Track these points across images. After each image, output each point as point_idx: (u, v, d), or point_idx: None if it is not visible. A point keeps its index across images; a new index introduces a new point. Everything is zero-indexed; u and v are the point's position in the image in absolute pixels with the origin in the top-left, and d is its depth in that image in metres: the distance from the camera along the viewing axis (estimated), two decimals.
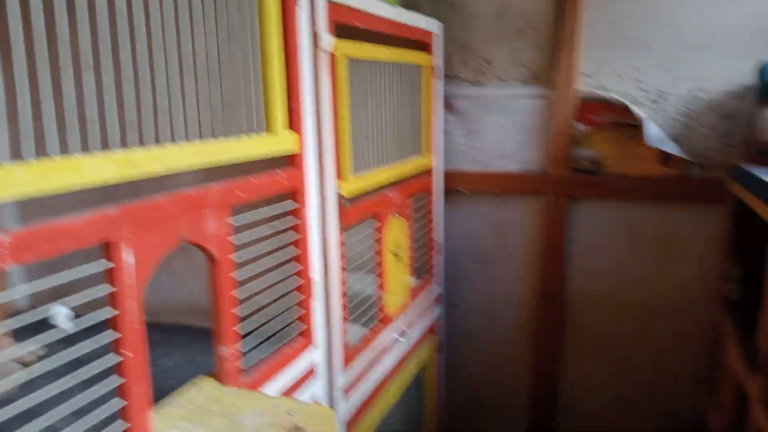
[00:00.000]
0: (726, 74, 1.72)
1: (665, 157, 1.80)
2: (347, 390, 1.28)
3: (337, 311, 1.23)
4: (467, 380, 2.14)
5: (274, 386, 1.02)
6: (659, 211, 1.84)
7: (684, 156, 1.77)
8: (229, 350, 0.90)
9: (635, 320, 1.92)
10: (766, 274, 1.04)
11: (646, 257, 1.88)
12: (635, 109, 1.77)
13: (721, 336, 1.56)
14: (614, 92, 1.82)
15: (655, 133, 1.75)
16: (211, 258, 0.86)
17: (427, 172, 1.78)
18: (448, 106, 1.97)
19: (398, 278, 1.55)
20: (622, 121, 1.83)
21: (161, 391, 0.86)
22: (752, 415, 1.09)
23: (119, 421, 0.71)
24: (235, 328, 0.91)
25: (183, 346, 1.18)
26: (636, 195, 1.85)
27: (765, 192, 1.21)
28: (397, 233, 1.53)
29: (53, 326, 0.68)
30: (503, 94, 1.93)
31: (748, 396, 1.14)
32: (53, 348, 0.67)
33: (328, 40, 1.13)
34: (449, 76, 1.96)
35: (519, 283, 2.03)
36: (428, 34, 1.71)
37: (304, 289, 1.11)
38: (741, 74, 1.69)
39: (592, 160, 1.89)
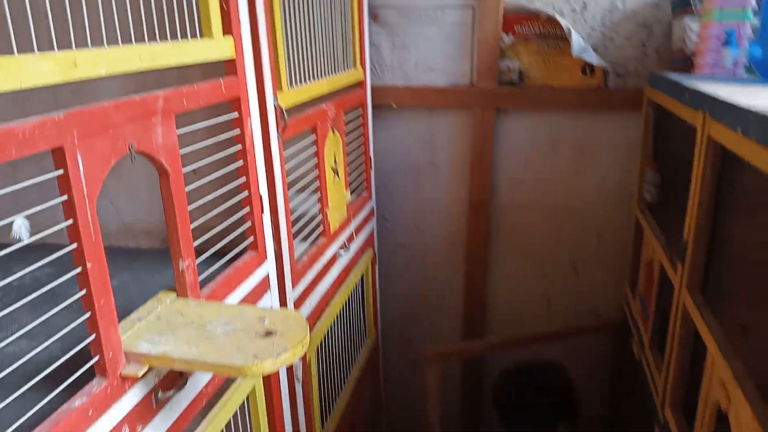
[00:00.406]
0: None
1: (586, 68, 1.86)
2: (297, 302, 1.29)
3: (284, 225, 1.21)
4: (401, 289, 2.20)
5: (231, 300, 1.01)
6: (580, 120, 1.92)
7: (604, 66, 1.83)
8: (187, 263, 0.87)
9: (557, 225, 2.03)
10: (694, 169, 1.12)
11: (567, 165, 1.97)
12: (562, 20, 1.80)
13: (641, 235, 1.69)
14: (539, 2, 1.83)
15: (578, 43, 1.79)
16: (162, 171, 0.82)
17: (360, 86, 1.75)
18: (375, 17, 1.92)
19: (338, 194, 1.54)
20: (547, 32, 1.86)
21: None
22: (676, 299, 1.19)
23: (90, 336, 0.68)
24: (191, 242, 0.88)
25: (124, 266, 1.13)
26: (559, 105, 1.91)
27: (680, 93, 1.28)
28: (334, 148, 1.51)
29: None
30: (430, 4, 1.90)
31: (672, 285, 1.24)
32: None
33: None
34: None
35: (448, 195, 2.08)
36: None
37: (252, 202, 1.08)
38: None
39: (516, 71, 1.93)
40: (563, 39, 1.84)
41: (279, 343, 0.76)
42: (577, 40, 1.78)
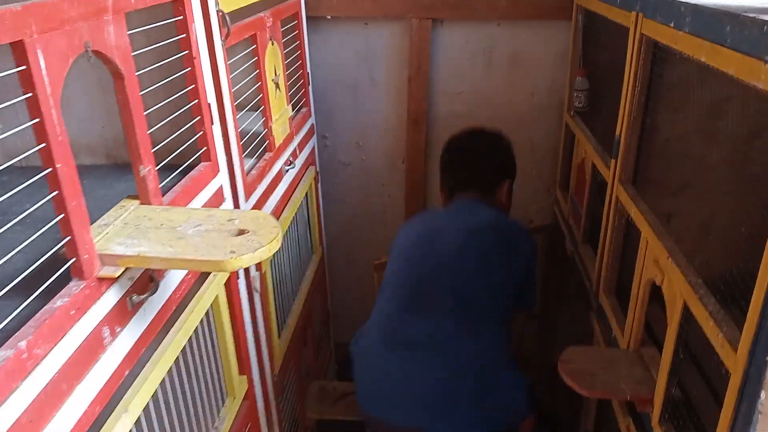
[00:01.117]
0: None
1: None
2: None
3: (233, 136, 1.20)
4: (345, 207, 2.24)
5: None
6: (513, 30, 1.96)
7: None
8: (148, 169, 0.86)
9: None
10: (626, 68, 1.19)
11: (501, 75, 2.02)
12: None
13: (572, 140, 1.78)
14: None
15: None
16: (117, 74, 0.79)
17: None
18: None
19: (280, 108, 1.52)
20: None
21: None
22: (610, 193, 1.29)
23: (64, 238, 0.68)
24: (150, 147, 0.87)
25: None
26: (492, 14, 1.93)
27: None
28: (274, 60, 1.48)
29: None
30: None
31: (605, 181, 1.33)
32: None
33: None
34: None
35: (387, 110, 2.10)
36: None
37: (202, 111, 1.07)
38: None
39: None
40: None
41: (254, 240, 0.78)
42: None
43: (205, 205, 1.08)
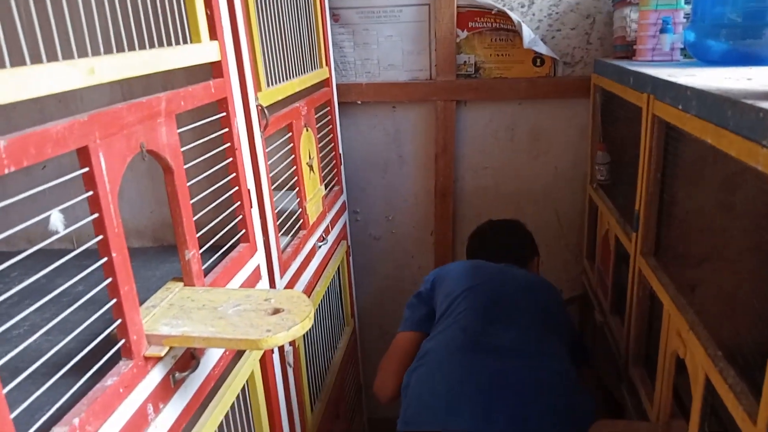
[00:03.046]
0: None
1: (537, 58, 1.99)
2: None
3: (270, 218, 1.28)
4: (376, 280, 2.29)
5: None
6: (534, 107, 2.04)
7: (552, 55, 1.96)
8: (192, 253, 0.93)
9: (518, 207, 2.15)
10: (642, 145, 1.24)
11: (525, 150, 2.09)
12: (512, 14, 1.91)
13: (596, 212, 1.82)
14: None
15: (528, 35, 1.91)
16: (167, 168, 0.88)
17: (327, 85, 1.82)
18: (336, 17, 2.00)
19: (314, 188, 1.61)
20: (499, 26, 1.97)
21: None
22: (632, 264, 1.32)
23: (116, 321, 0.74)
24: (194, 233, 0.94)
25: None
26: (513, 94, 2.03)
27: (626, 77, 1.41)
28: (308, 145, 1.58)
29: None
30: (387, 3, 1.99)
31: (627, 253, 1.36)
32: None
33: None
34: None
35: (415, 185, 2.18)
36: None
37: (242, 197, 1.15)
38: None
39: (473, 64, 2.03)
40: (514, 32, 1.95)
41: (288, 318, 0.83)
42: (527, 33, 1.90)
43: (243, 284, 1.14)
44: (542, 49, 1.93)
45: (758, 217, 1.05)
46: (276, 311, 0.85)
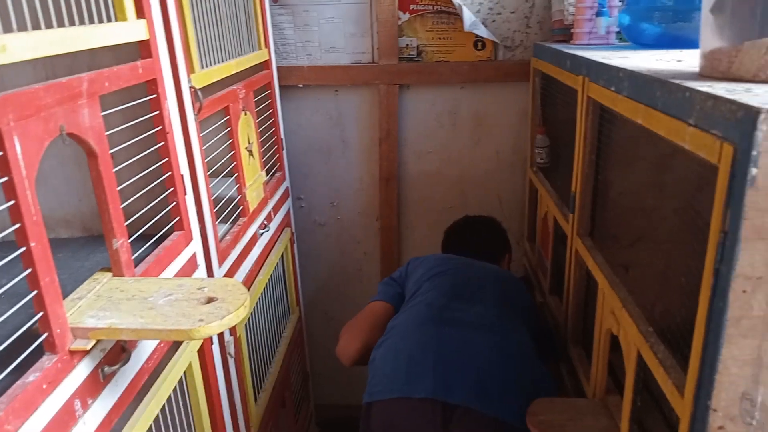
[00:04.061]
0: None
1: (478, 42, 1.99)
2: None
3: (207, 204, 1.24)
4: (321, 266, 2.27)
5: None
6: (476, 91, 2.05)
7: (493, 38, 1.97)
8: (120, 242, 0.89)
9: (460, 191, 2.16)
10: (577, 128, 1.26)
11: (467, 135, 2.10)
12: None
13: (536, 194, 1.85)
14: None
15: (469, 18, 1.92)
16: (91, 152, 0.84)
17: (266, 67, 1.78)
18: None
19: (254, 174, 1.58)
20: (440, 9, 1.97)
21: None
22: (570, 245, 1.34)
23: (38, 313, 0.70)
24: (122, 221, 0.90)
25: None
26: (455, 78, 2.03)
27: (562, 61, 1.42)
28: (247, 129, 1.54)
29: None
30: None
31: (565, 234, 1.39)
32: None
33: None
34: None
35: (359, 171, 2.16)
36: None
37: (175, 183, 1.11)
38: None
39: (415, 48, 2.02)
40: (455, 15, 1.95)
41: (222, 307, 0.81)
42: (467, 16, 1.91)
43: (178, 274, 1.11)
44: (483, 32, 1.94)
45: (687, 197, 1.08)
46: (210, 300, 0.83)
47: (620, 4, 1.56)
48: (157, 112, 1.07)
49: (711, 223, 0.65)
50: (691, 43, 1.32)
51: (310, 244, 2.24)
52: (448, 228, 1.88)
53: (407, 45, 2.02)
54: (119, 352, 0.87)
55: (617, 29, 1.56)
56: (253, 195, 1.55)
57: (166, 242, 1.09)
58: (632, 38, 1.46)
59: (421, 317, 1.39)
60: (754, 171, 0.59)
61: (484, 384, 1.24)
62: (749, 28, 0.79)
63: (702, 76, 0.84)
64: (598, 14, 1.55)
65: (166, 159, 1.09)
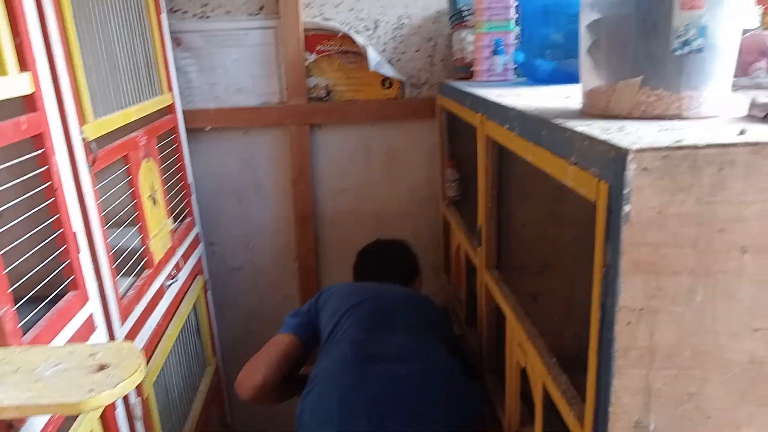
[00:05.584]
0: (424, 1, 1.97)
1: (385, 80, 2.03)
2: (129, 339, 1.26)
3: (105, 260, 1.18)
4: (239, 312, 2.21)
5: (57, 344, 0.97)
6: (386, 129, 2.08)
7: (398, 77, 2.01)
8: (4, 310, 0.83)
9: (377, 227, 2.16)
10: (479, 164, 1.30)
11: (380, 171, 2.12)
12: (357, 37, 1.94)
13: (449, 226, 1.88)
14: (335, 21, 1.96)
15: (374, 58, 1.95)
16: None
17: (170, 111, 1.74)
18: (177, 41, 1.92)
19: (158, 222, 1.52)
20: (346, 49, 2.00)
21: None
22: (479, 278, 1.37)
23: None
24: (6, 287, 0.84)
25: None
26: (365, 117, 2.05)
27: (463, 98, 1.47)
28: (150, 177, 1.49)
29: None
30: (231, 27, 1.94)
31: (475, 266, 1.42)
32: None
33: None
34: (175, 10, 1.90)
35: (273, 212, 2.13)
36: None
37: (67, 240, 1.05)
38: (436, 1, 1.96)
39: (323, 87, 2.04)
40: (362, 55, 1.98)
41: (114, 374, 0.76)
42: (372, 56, 1.94)
43: (74, 337, 1.04)
44: (388, 72, 1.98)
45: (584, 226, 1.13)
46: (102, 367, 0.78)
47: (516, 42, 1.63)
48: (45, 168, 1.02)
49: (594, 258, 0.68)
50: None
51: (225, 290, 2.18)
52: (361, 251, 1.88)
53: (316, 85, 2.03)
54: (6, 429, 0.80)
55: (515, 66, 1.63)
56: (158, 245, 1.49)
57: (60, 304, 1.03)
58: (528, 74, 1.52)
59: (344, 359, 1.37)
60: (627, 208, 0.62)
61: (418, 415, 1.26)
62: (623, 67, 0.84)
63: (584, 113, 0.88)
64: (495, 53, 1.62)
65: (57, 216, 1.04)
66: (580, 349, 0.93)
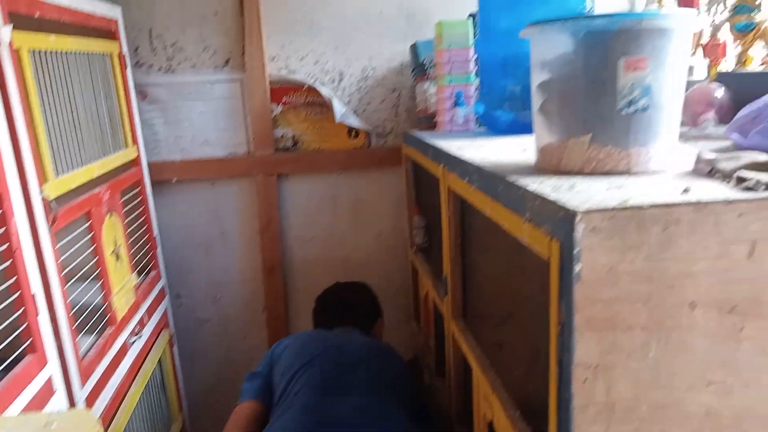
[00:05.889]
0: (387, 54, 2.02)
1: (351, 131, 2.06)
2: (89, 401, 1.22)
3: (64, 322, 1.16)
4: (209, 365, 2.16)
5: (13, 411, 0.94)
6: (353, 178, 2.10)
7: (363, 127, 2.05)
8: None
9: (346, 275, 2.14)
10: (442, 214, 1.32)
11: (348, 220, 2.13)
12: (322, 89, 1.98)
13: (417, 275, 1.89)
14: (301, 74, 2.00)
15: (340, 110, 1.98)
16: None
17: (135, 165, 1.73)
18: (143, 95, 1.93)
19: (121, 278, 1.50)
20: (312, 101, 2.03)
21: None
22: (446, 327, 1.37)
23: None
24: None
25: None
26: (332, 166, 2.07)
27: (425, 149, 1.50)
28: (113, 232, 1.47)
29: None
30: (198, 80, 1.96)
31: (442, 314, 1.42)
32: None
33: (6, 31, 1.05)
34: (140, 64, 1.91)
35: (241, 263, 2.12)
36: (112, 21, 1.64)
37: (25, 303, 1.03)
38: (399, 53, 2.01)
39: (290, 138, 2.06)
40: (327, 106, 2.02)
41: None
42: (338, 107, 1.98)
43: (31, 402, 1.01)
44: (354, 122, 2.01)
45: (545, 278, 1.15)
46: None
47: (476, 93, 1.67)
48: (3, 229, 1.00)
49: (549, 315, 0.69)
50: None
51: (194, 342, 2.14)
52: (320, 295, 1.86)
53: (283, 135, 2.05)
54: None
55: (476, 116, 1.67)
56: (121, 301, 1.47)
57: (16, 369, 1.00)
58: (489, 125, 1.56)
59: (297, 424, 1.34)
60: (578, 267, 0.64)
61: None
62: (573, 125, 0.88)
63: (538, 169, 0.90)
64: (456, 104, 1.66)
65: (15, 278, 1.02)
66: (544, 402, 0.93)
